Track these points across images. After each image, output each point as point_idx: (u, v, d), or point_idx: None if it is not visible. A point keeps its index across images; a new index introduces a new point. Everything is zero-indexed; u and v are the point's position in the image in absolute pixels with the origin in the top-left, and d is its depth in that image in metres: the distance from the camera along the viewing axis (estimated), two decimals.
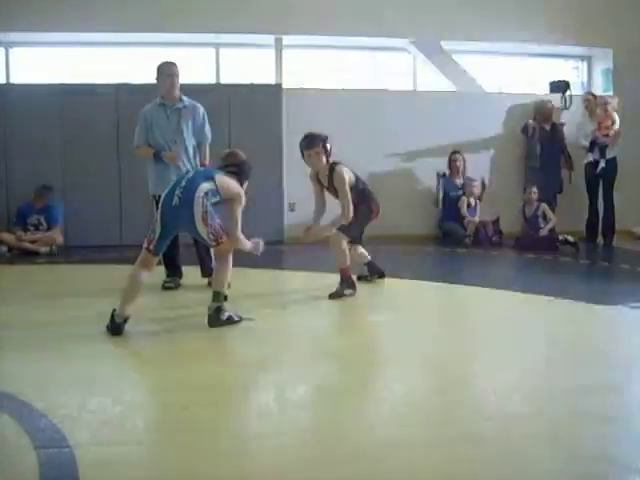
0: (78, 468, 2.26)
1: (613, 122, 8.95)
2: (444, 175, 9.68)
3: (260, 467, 2.34)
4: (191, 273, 5.77)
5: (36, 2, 8.95)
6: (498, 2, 10.10)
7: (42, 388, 3.11)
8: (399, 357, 3.76)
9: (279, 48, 9.99)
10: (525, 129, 9.79)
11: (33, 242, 8.42)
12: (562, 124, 9.79)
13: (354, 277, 5.54)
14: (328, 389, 3.25)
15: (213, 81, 9.97)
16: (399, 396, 3.06)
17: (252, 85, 9.74)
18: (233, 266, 4.47)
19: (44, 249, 8.34)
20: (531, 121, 9.80)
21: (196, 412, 2.88)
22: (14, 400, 2.90)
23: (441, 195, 9.66)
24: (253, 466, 2.35)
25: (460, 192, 9.52)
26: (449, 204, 9.54)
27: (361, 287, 5.59)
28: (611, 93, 10.21)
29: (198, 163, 5.73)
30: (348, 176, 5.47)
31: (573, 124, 9.68)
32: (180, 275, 5.78)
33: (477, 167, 9.60)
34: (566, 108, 10.23)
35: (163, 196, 4.31)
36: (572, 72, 11.25)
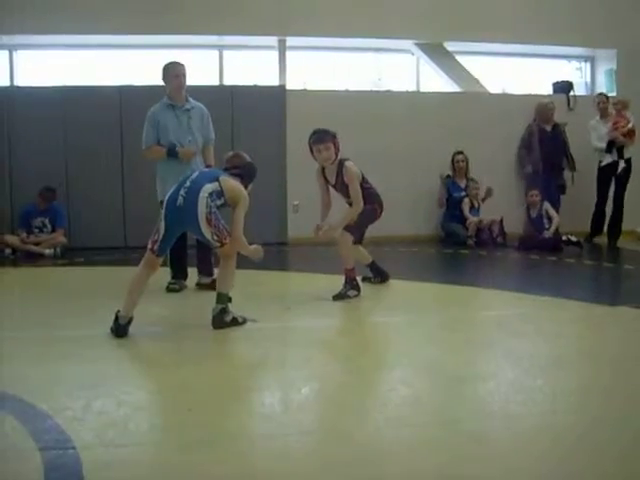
0: (83, 469, 2.27)
1: (628, 122, 8.93)
2: (448, 176, 9.68)
3: (265, 468, 2.34)
4: (195, 275, 5.77)
5: (40, 5, 8.96)
6: (501, 3, 10.11)
7: (46, 389, 3.12)
8: (403, 358, 3.76)
9: (282, 50, 9.99)
10: (526, 139, 9.83)
11: (37, 244, 8.43)
12: (564, 125, 9.76)
13: (359, 279, 5.54)
14: (332, 390, 3.26)
15: (216, 83, 9.98)
16: (403, 397, 3.06)
17: (255, 87, 9.76)
18: (237, 269, 4.46)
19: (48, 251, 8.35)
20: (531, 122, 9.79)
21: (200, 413, 2.89)
22: (19, 401, 2.91)
23: (444, 197, 9.66)
24: (258, 467, 2.35)
25: (463, 193, 9.51)
26: (452, 205, 9.54)
27: (365, 288, 5.59)
28: (614, 94, 10.20)
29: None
30: (358, 172, 5.48)
31: (576, 125, 9.66)
32: (185, 277, 5.78)
33: (480, 168, 9.59)
34: (570, 109, 10.22)
35: (167, 197, 4.31)
36: (575, 73, 11.25)
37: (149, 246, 4.26)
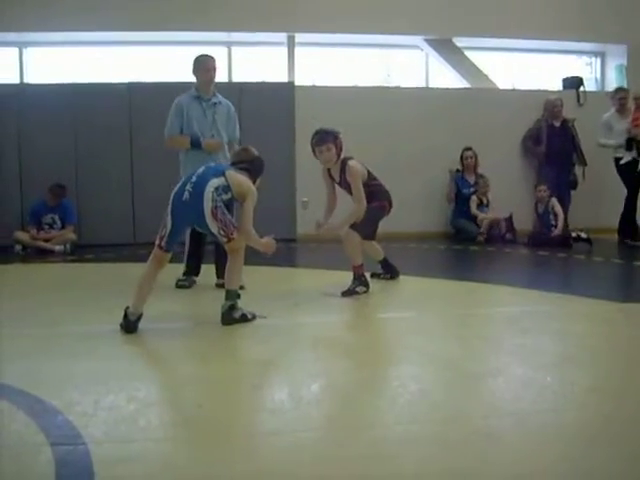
0: (93, 465, 2.27)
1: None
2: (457, 171, 9.66)
3: (274, 464, 2.34)
4: (205, 271, 5.78)
5: (49, 2, 9.00)
6: None
7: (57, 385, 3.13)
8: (412, 354, 3.75)
9: (291, 46, 10.00)
10: (533, 132, 9.75)
11: (47, 240, 8.48)
12: (573, 119, 9.70)
13: (367, 275, 5.54)
14: (341, 386, 3.25)
15: (225, 79, 9.98)
16: (413, 393, 3.06)
17: (264, 83, 9.76)
18: (246, 264, 4.47)
19: (58, 247, 8.39)
20: (540, 118, 9.75)
21: (210, 409, 2.89)
22: (29, 397, 2.92)
23: (453, 192, 9.65)
24: (267, 463, 2.35)
25: (472, 189, 9.50)
26: (461, 201, 9.53)
27: (374, 285, 5.59)
28: None
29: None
30: (361, 171, 5.48)
31: (586, 120, 9.62)
32: (197, 273, 5.76)
33: (490, 164, 9.57)
34: (580, 104, 10.17)
35: (174, 191, 4.30)
36: (585, 68, 11.20)
37: (157, 242, 4.26)
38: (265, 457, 2.42)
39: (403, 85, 10.61)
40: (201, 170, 4.40)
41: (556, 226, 8.74)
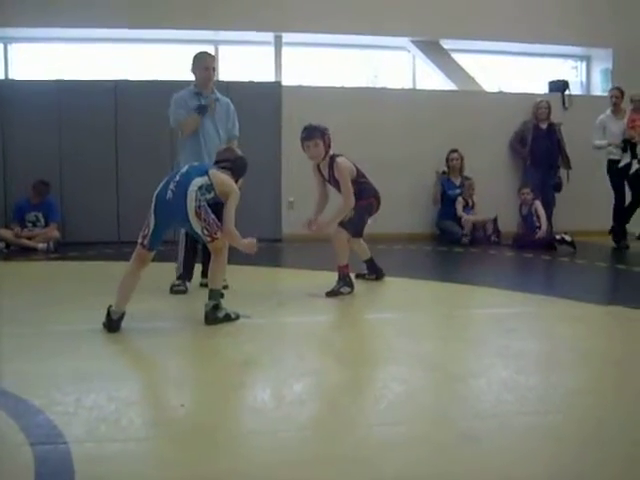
0: (74, 464, 2.25)
1: None
2: (444, 173, 9.69)
3: (257, 464, 2.33)
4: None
5: None
6: (497, 1, 10.13)
7: (38, 384, 3.11)
8: (396, 355, 3.75)
9: (278, 46, 9.99)
10: (519, 134, 9.80)
11: (31, 238, 8.41)
12: (559, 124, 9.75)
13: (352, 275, 5.53)
14: (325, 386, 3.25)
15: None
16: (397, 394, 3.06)
17: (251, 83, 9.74)
18: (230, 264, 4.45)
19: (42, 245, 8.33)
20: (527, 120, 9.79)
21: (192, 409, 2.88)
22: (10, 396, 2.89)
23: (439, 193, 9.67)
24: (250, 463, 2.35)
25: (458, 191, 9.52)
26: (447, 203, 9.55)
27: (359, 285, 5.59)
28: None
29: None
30: (350, 168, 5.47)
31: (571, 123, 9.68)
32: (190, 278, 5.58)
33: (475, 166, 9.60)
34: (565, 108, 10.23)
35: (157, 190, 4.28)
36: (571, 72, 11.26)
37: (139, 240, 4.24)
38: (247, 457, 2.41)
39: (390, 86, 10.62)
40: (184, 169, 4.38)
41: (540, 228, 8.77)
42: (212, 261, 4.39)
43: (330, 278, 5.43)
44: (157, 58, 10.08)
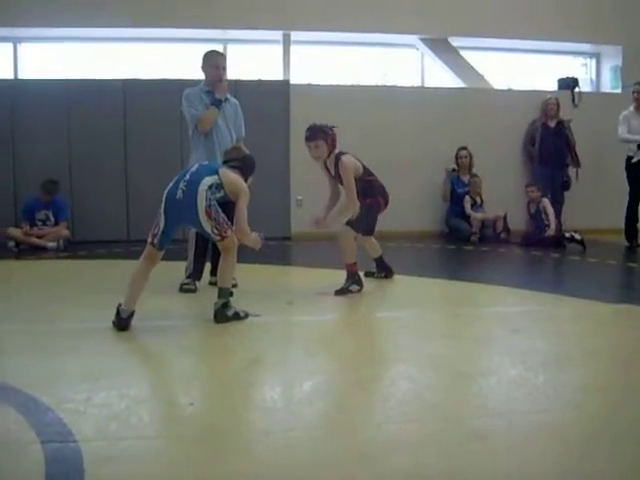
0: (84, 462, 2.26)
1: None
2: (453, 170, 9.67)
3: (266, 463, 2.33)
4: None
5: None
6: None
7: (48, 382, 3.11)
8: (405, 353, 3.75)
9: (287, 44, 9.99)
10: (528, 135, 9.75)
11: (40, 237, 8.45)
12: (569, 121, 9.71)
13: (361, 274, 5.53)
14: (334, 385, 3.25)
15: None
16: (406, 393, 3.05)
17: (260, 81, 9.74)
18: (239, 262, 4.46)
19: (51, 244, 8.37)
20: (536, 118, 9.75)
21: (202, 407, 2.88)
22: (20, 394, 2.90)
23: (449, 191, 9.66)
24: (259, 462, 2.35)
25: (466, 189, 9.51)
26: (455, 201, 9.54)
27: (368, 283, 5.58)
28: (619, 91, 10.17)
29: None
30: (354, 166, 5.46)
31: (581, 121, 9.65)
32: (200, 278, 5.58)
33: (485, 164, 9.58)
34: (575, 105, 10.19)
35: (167, 189, 4.29)
36: (581, 69, 11.22)
37: (149, 239, 4.25)
38: (256, 456, 2.41)
39: (399, 84, 10.60)
40: (194, 168, 4.40)
41: (549, 226, 8.74)
42: (222, 260, 4.40)
43: (339, 276, 5.43)
44: (165, 57, 10.09)
